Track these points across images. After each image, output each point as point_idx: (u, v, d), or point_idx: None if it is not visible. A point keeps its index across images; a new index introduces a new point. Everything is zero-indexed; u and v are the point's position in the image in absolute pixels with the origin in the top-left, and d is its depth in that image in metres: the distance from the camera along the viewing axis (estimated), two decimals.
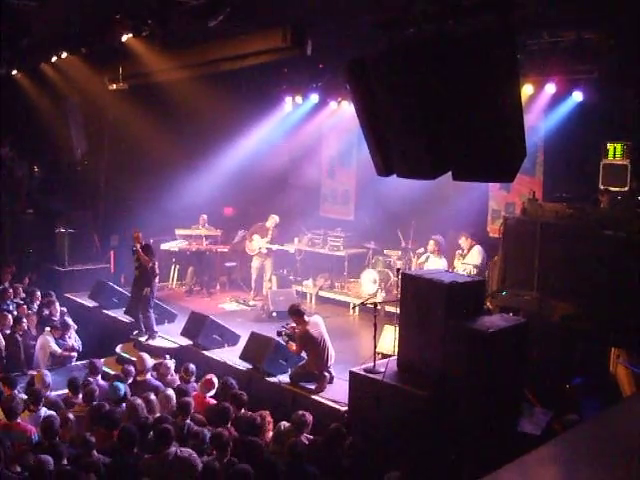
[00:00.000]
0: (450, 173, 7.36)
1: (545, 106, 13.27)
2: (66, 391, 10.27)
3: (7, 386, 9.83)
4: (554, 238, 10.67)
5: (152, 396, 9.45)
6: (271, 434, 8.78)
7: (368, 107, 8.13)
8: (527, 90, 12.60)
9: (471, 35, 7.14)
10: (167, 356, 11.78)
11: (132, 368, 10.71)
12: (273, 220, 16.39)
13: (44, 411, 9.03)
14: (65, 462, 7.48)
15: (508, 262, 11.23)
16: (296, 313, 10.97)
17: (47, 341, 12.98)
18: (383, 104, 7.89)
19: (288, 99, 17.25)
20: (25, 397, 9.39)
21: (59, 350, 12.90)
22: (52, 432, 7.96)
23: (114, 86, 16.00)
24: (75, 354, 13.24)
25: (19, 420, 8.58)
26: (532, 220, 10.98)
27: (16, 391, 9.83)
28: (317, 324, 10.87)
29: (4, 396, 9.34)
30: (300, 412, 8.68)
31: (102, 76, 16.59)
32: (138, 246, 13.38)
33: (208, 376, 10.31)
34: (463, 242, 13.43)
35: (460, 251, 13.48)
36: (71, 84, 17.28)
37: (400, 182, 9.25)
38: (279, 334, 11.09)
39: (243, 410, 9.20)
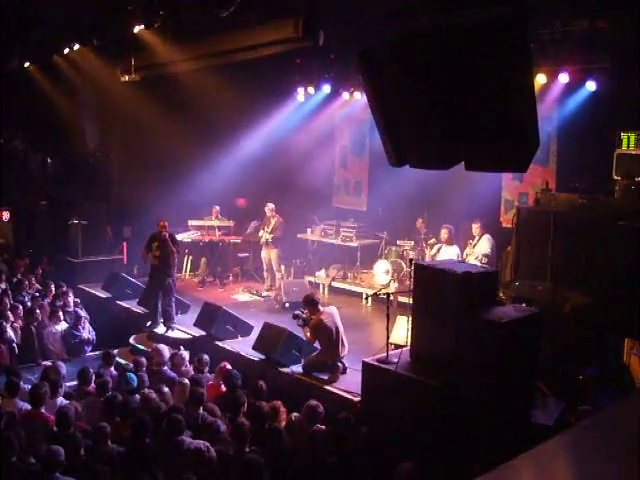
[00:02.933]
0: (463, 163, 7.34)
1: (558, 96, 13.19)
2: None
3: (12, 377, 9.81)
4: (567, 228, 10.63)
5: (165, 388, 9.50)
6: (284, 424, 8.79)
7: (380, 97, 8.11)
8: (540, 80, 12.52)
9: (484, 24, 7.11)
10: (181, 347, 11.80)
11: (143, 359, 10.73)
12: (268, 208, 16.48)
13: (61, 400, 9.09)
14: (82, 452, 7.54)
15: (521, 252, 11.20)
16: (311, 303, 10.98)
17: (61, 330, 13.09)
18: (395, 94, 7.86)
19: (300, 90, 17.21)
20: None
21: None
22: (67, 422, 8.00)
23: (126, 78, 16.03)
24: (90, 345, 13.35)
25: (42, 410, 8.65)
26: (545, 210, 10.94)
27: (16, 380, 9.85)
28: (332, 314, 10.88)
29: (34, 384, 9.38)
30: (311, 402, 8.69)
31: (114, 68, 16.62)
32: (166, 234, 13.36)
33: (222, 364, 10.35)
34: (475, 229, 13.38)
35: (471, 240, 13.45)
36: (83, 76, 17.35)
37: (413, 172, 9.23)
38: (295, 317, 11.07)
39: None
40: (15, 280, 15.84)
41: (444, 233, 13.76)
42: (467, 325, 8.58)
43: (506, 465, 2.60)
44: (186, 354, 11.25)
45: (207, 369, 10.54)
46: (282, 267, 16.68)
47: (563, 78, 12.60)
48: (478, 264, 12.24)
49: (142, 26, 13.44)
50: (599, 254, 10.08)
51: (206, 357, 10.65)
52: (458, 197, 14.29)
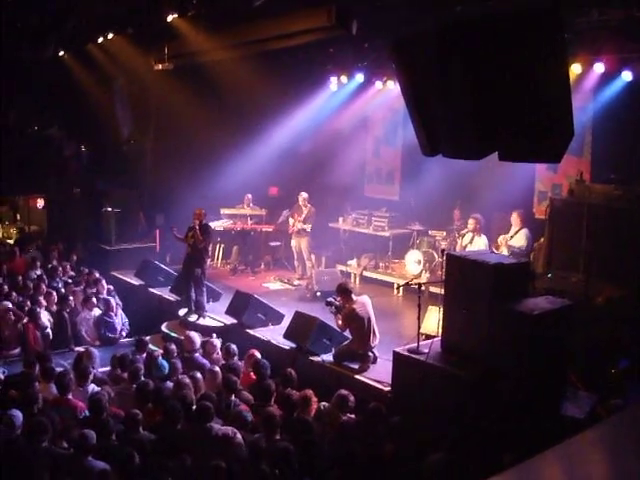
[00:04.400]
0: (496, 153, 7.29)
1: (594, 86, 13.03)
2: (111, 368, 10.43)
3: (42, 362, 9.93)
4: (601, 220, 10.55)
5: (198, 374, 9.55)
6: (313, 413, 8.82)
7: (414, 86, 8.07)
8: (575, 69, 12.38)
9: (519, 13, 7.04)
10: (214, 335, 11.85)
11: (173, 346, 10.79)
12: (301, 197, 16.54)
13: (92, 387, 9.17)
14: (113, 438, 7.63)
15: (554, 244, 11.14)
16: (344, 292, 10.99)
17: (94, 317, 13.25)
18: (429, 83, 7.83)
19: (333, 79, 17.17)
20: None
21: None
22: (100, 408, 8.08)
23: (160, 66, 16.09)
24: (124, 333, 13.49)
25: (70, 396, 8.74)
26: (579, 202, 10.87)
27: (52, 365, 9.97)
28: (364, 304, 10.88)
29: (59, 371, 9.48)
30: (341, 392, 8.70)
31: (148, 56, 16.69)
32: (197, 223, 13.43)
33: (250, 351, 10.39)
34: (514, 220, 13.20)
35: (506, 234, 13.29)
36: (117, 65, 17.44)
37: (446, 162, 9.19)
38: (328, 304, 11.08)
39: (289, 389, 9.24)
40: (49, 267, 16.02)
41: (471, 223, 13.67)
42: (499, 316, 8.56)
43: (537, 457, 2.59)
44: (218, 342, 11.30)
45: (236, 358, 10.57)
46: (312, 256, 16.69)
47: (599, 68, 12.45)
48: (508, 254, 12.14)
49: (176, 15, 13.50)
50: (633, 246, 9.99)
51: (234, 347, 10.66)
52: (491, 188, 14.18)
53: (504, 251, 12.67)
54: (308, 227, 16.30)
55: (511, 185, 13.90)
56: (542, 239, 11.87)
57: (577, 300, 9.73)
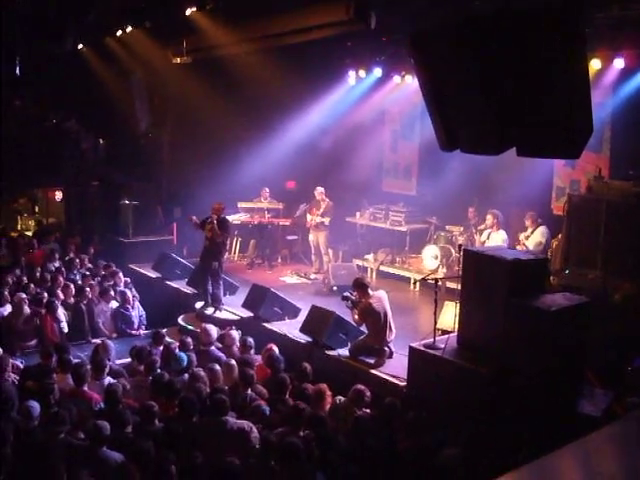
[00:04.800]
0: (514, 149, 7.27)
1: (613, 81, 12.94)
2: (129, 360, 10.47)
3: (61, 353, 9.99)
4: (619, 217, 10.49)
5: (216, 366, 9.57)
6: (328, 407, 8.82)
7: (432, 81, 8.05)
8: (594, 65, 12.31)
9: (538, 8, 7.01)
10: (233, 327, 11.86)
11: (189, 339, 10.81)
12: (317, 192, 16.55)
13: (108, 380, 9.21)
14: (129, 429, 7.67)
15: (572, 240, 11.09)
16: (360, 286, 10.97)
17: (111, 309, 13.32)
18: (447, 78, 7.80)
19: (351, 73, 17.13)
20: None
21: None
22: (115, 400, 8.12)
23: (178, 60, 16.14)
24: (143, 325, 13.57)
25: (85, 388, 8.79)
26: (597, 198, 10.81)
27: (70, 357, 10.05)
28: (381, 299, 10.86)
29: (75, 362, 9.53)
30: (357, 387, 8.70)
31: (166, 50, 16.74)
32: (215, 217, 13.43)
33: (268, 346, 10.41)
34: (527, 222, 13.22)
35: (524, 233, 13.26)
36: (136, 58, 17.48)
37: (463, 157, 9.17)
38: (344, 299, 11.06)
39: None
40: (67, 259, 16.10)
41: (489, 219, 13.65)
42: (516, 312, 8.53)
43: (552, 454, 2.59)
44: (236, 334, 11.28)
45: (252, 352, 10.59)
46: (330, 251, 16.69)
47: (618, 63, 12.38)
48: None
49: (194, 8, 13.54)
50: None
51: (250, 340, 10.70)
52: (509, 183, 14.13)
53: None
54: (327, 220, 16.31)
55: (529, 181, 13.85)
56: (560, 235, 11.81)
57: (594, 297, 9.69)
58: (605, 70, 12.67)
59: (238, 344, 11.03)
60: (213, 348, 10.83)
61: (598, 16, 11.55)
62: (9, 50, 16.78)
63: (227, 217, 14.28)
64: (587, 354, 8.93)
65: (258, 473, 6.88)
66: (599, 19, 11.60)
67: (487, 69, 7.21)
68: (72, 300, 13.39)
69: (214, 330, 11.12)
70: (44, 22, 15.62)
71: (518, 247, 12.94)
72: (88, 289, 13.56)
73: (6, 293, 13.05)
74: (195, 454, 6.96)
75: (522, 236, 13.19)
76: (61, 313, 12.68)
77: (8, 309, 12.58)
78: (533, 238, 12.98)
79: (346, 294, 11.08)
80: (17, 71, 17.84)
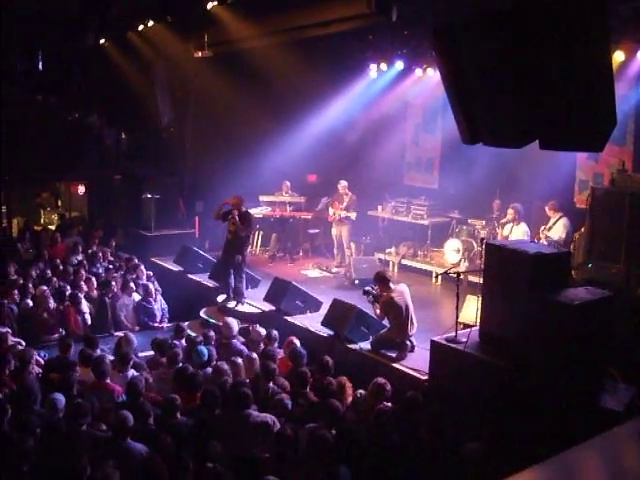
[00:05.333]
0: (537, 142, 7.23)
1: (637, 73, 12.83)
2: (151, 352, 10.52)
3: (89, 346, 10.08)
4: None
5: (239, 359, 9.61)
6: (350, 400, 8.83)
7: (454, 74, 8.01)
8: (618, 57, 12.20)
9: (561, 1, 6.96)
10: (257, 324, 11.81)
11: (212, 333, 10.85)
12: (341, 185, 16.52)
13: (132, 372, 9.27)
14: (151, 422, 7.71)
15: (595, 234, 11.01)
16: (382, 280, 10.97)
17: (133, 302, 13.40)
18: (470, 71, 7.77)
19: (373, 66, 17.07)
20: (112, 358, 9.66)
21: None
22: (137, 392, 8.17)
23: (199, 54, 16.16)
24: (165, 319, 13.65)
25: (107, 380, 8.85)
26: (621, 191, 10.72)
27: (98, 350, 10.14)
28: (402, 292, 10.85)
29: (95, 356, 9.60)
30: (379, 380, 8.69)
31: (188, 44, 16.78)
32: (236, 212, 13.46)
33: (289, 339, 10.43)
34: (548, 212, 13.15)
35: (545, 225, 13.18)
36: (157, 52, 17.55)
37: (486, 150, 9.13)
38: (366, 293, 11.06)
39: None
40: (90, 252, 16.20)
41: (510, 213, 13.60)
42: (538, 306, 8.49)
43: (574, 449, 2.58)
44: (263, 330, 11.20)
45: (276, 344, 10.63)
46: (352, 244, 16.69)
47: None
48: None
49: (215, 2, 13.56)
50: None
51: (275, 333, 10.76)
52: (531, 176, 14.07)
53: (543, 242, 12.57)
54: (353, 215, 16.28)
55: (552, 174, 13.77)
56: (582, 229, 11.74)
57: (617, 291, 9.62)
58: (629, 62, 12.55)
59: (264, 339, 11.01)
60: (235, 341, 10.86)
61: (622, 7, 11.45)
62: (29, 46, 16.91)
63: (249, 210, 14.30)
64: (610, 348, 8.87)
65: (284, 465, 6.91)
66: (623, 10, 11.50)
67: (509, 62, 7.18)
68: (94, 293, 13.49)
69: (235, 323, 11.17)
70: (66, 17, 15.70)
71: (540, 239, 12.86)
72: (113, 282, 13.64)
73: (30, 286, 13.17)
74: (214, 444, 7.00)
75: (543, 229, 13.11)
76: (85, 305, 12.77)
77: (32, 302, 12.68)
78: (555, 230, 12.89)
79: (367, 288, 11.07)
80: (40, 66, 17.96)
